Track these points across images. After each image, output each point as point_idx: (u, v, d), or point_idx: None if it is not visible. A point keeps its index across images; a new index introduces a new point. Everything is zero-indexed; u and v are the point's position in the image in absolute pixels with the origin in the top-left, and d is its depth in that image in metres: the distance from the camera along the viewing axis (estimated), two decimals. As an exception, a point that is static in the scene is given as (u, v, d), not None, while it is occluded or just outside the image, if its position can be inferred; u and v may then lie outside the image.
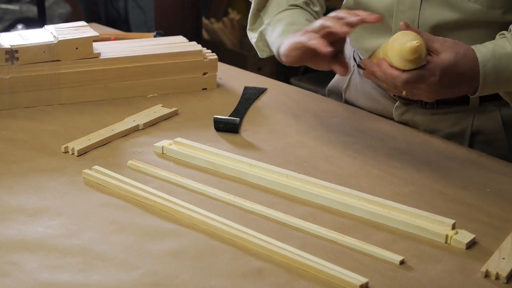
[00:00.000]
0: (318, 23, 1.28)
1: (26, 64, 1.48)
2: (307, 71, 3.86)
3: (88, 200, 1.18)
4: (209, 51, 1.66)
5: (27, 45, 1.48)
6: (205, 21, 3.72)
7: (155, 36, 1.83)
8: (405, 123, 1.49)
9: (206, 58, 1.62)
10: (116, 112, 1.51)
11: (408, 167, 1.30)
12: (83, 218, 1.13)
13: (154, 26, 2.48)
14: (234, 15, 3.87)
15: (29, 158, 1.30)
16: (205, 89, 1.64)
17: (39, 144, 1.35)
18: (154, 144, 1.35)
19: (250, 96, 1.60)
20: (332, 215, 1.16)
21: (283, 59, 1.37)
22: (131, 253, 1.05)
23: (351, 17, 1.24)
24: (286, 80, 3.47)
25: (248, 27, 1.54)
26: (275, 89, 1.67)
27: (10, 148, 1.34)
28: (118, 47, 1.61)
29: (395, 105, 1.49)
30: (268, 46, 1.50)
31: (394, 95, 1.48)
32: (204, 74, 1.63)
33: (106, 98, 1.56)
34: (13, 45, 1.47)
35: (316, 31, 1.27)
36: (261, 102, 1.59)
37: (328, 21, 1.26)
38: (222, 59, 1.70)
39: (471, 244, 1.09)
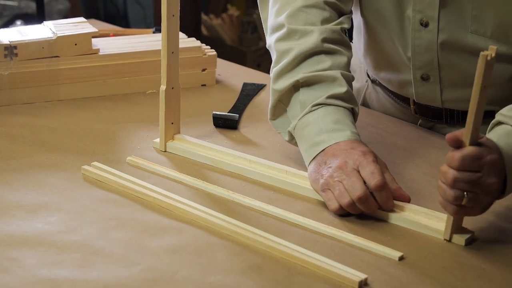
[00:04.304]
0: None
1: (25, 60, 1.48)
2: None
3: (87, 196, 1.18)
4: (208, 47, 1.66)
5: (26, 41, 1.48)
6: (204, 17, 3.72)
7: (154, 32, 1.83)
8: None
9: (205, 54, 1.62)
10: (115, 108, 1.50)
11: (407, 163, 1.30)
12: (82, 214, 1.13)
13: (153, 22, 2.48)
14: (233, 11, 3.87)
15: (28, 154, 1.30)
16: (204, 85, 1.64)
17: (38, 140, 1.35)
18: (154, 140, 1.35)
19: (249, 92, 1.60)
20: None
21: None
22: (130, 249, 1.05)
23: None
24: (285, 76, 3.46)
25: (269, 117, 1.32)
26: (274, 85, 1.67)
27: (9, 144, 1.34)
28: (117, 43, 1.61)
29: (418, 122, 1.45)
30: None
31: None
32: (203, 70, 1.63)
33: (105, 94, 1.56)
34: (12, 41, 1.47)
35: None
36: (260, 98, 1.59)
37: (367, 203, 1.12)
38: (221, 55, 1.70)
39: (470, 241, 1.09)
